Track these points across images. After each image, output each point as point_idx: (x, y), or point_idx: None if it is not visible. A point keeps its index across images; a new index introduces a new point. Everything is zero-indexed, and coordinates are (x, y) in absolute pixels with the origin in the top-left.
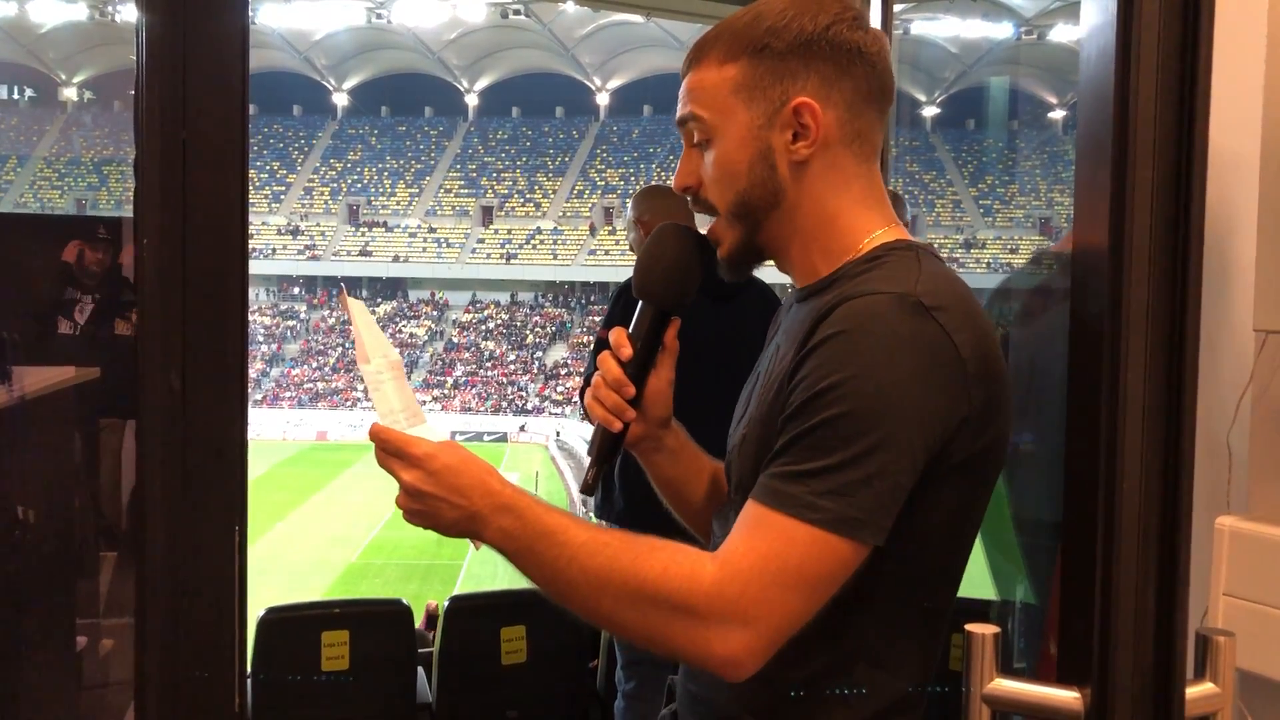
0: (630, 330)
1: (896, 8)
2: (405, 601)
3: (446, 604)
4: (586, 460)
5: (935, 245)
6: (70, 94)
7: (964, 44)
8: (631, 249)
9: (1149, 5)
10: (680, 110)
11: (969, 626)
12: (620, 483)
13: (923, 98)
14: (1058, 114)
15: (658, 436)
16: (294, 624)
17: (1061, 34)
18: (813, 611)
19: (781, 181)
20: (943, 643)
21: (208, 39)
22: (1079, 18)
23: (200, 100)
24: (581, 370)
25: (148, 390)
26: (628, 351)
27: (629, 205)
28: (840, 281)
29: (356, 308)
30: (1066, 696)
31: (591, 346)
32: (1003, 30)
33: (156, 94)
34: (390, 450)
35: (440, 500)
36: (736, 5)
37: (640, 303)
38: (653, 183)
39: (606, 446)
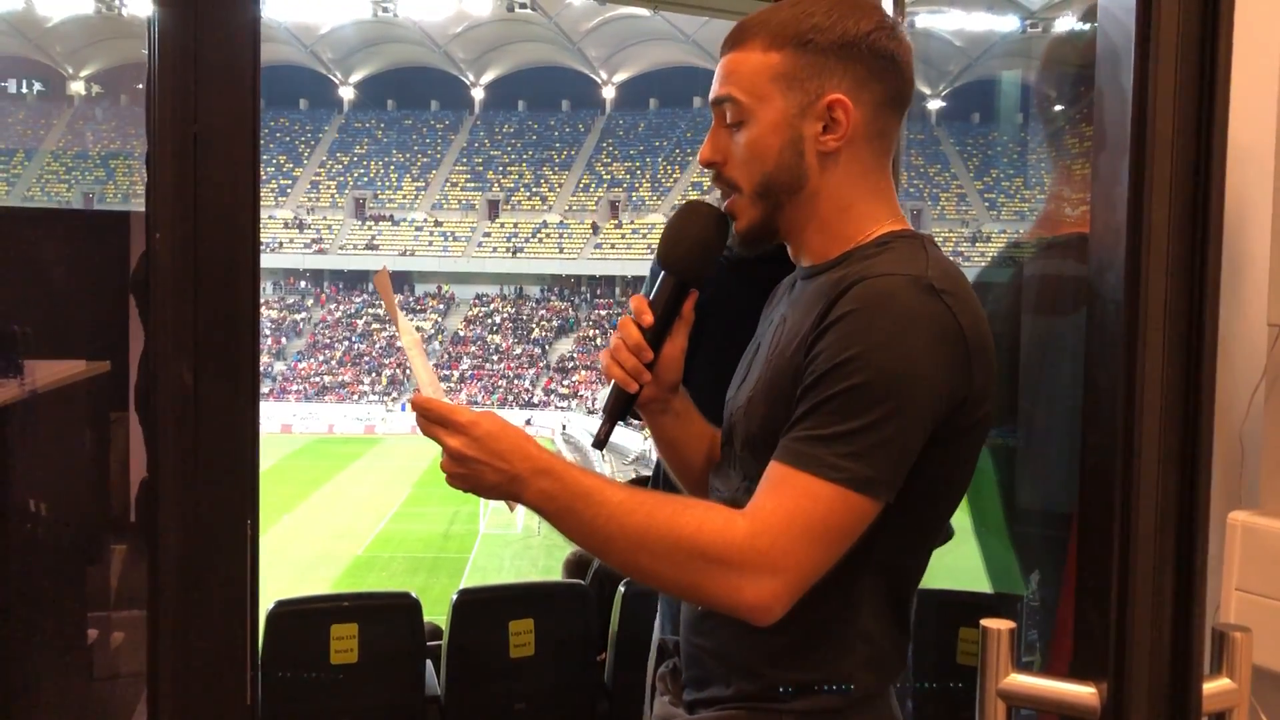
0: (652, 298)
1: (907, 3)
2: (414, 594)
3: (455, 597)
4: (596, 456)
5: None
6: (78, 88)
7: (969, 37)
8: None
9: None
10: (717, 89)
11: (985, 622)
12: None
13: (928, 91)
14: (1061, 108)
15: (666, 399)
16: (303, 617)
17: (1067, 27)
18: (833, 561)
19: (807, 169)
20: (912, 601)
21: (219, 33)
22: (1085, 12)
23: (211, 95)
24: (588, 364)
25: (160, 384)
26: (648, 318)
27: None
28: (848, 262)
29: (386, 287)
30: (1083, 692)
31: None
32: (1008, 23)
33: (169, 88)
34: (434, 418)
35: (483, 464)
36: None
37: (662, 273)
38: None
39: (620, 405)
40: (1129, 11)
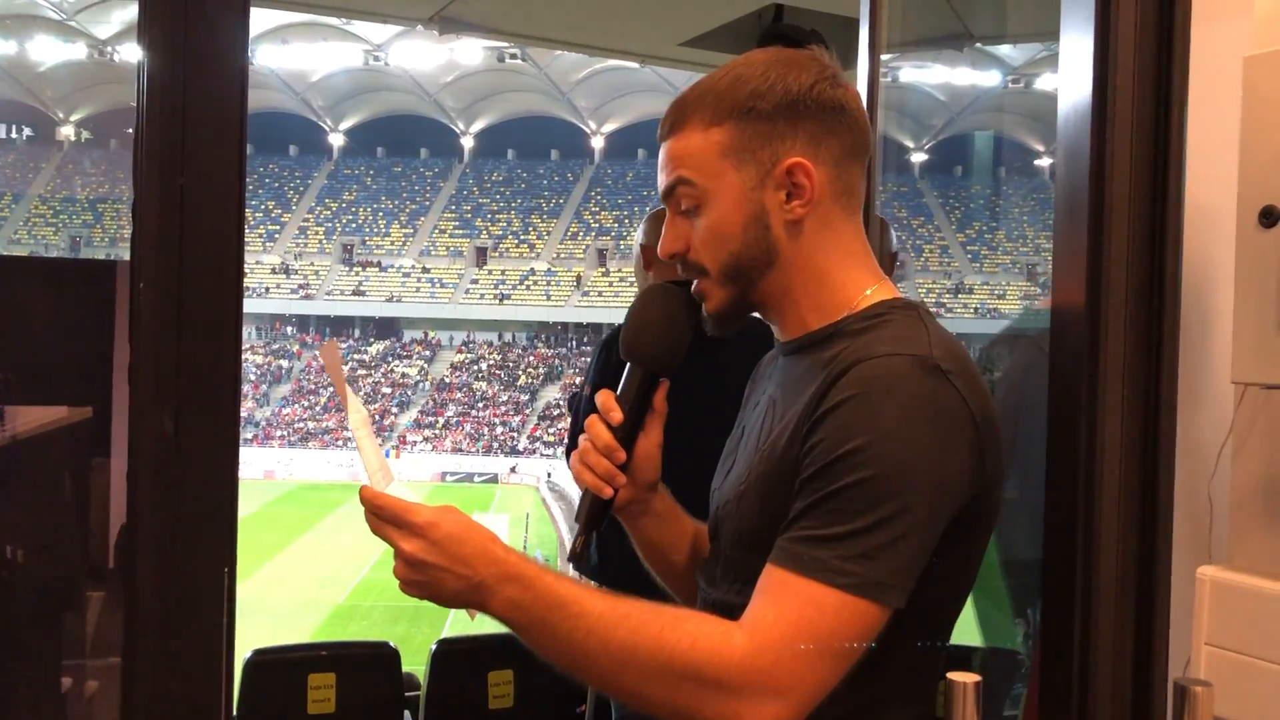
0: (619, 393)
1: (884, 56)
2: (393, 644)
3: (434, 647)
4: (577, 501)
5: (923, 301)
6: (67, 132)
7: (952, 91)
8: (635, 276)
9: (1124, 65)
10: (665, 178)
11: (951, 675)
12: (597, 542)
13: (910, 144)
14: (1044, 162)
15: (645, 500)
16: (280, 666)
17: (1048, 83)
18: (839, 677)
19: (775, 241)
20: (932, 699)
21: (208, 84)
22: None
23: (199, 146)
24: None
25: (140, 432)
26: (618, 416)
27: (638, 229)
28: (839, 337)
29: (332, 357)
30: None
31: (570, 401)
32: (990, 79)
33: (156, 138)
34: (386, 517)
35: (443, 570)
36: (726, 53)
37: (629, 364)
38: (660, 208)
39: (595, 513)
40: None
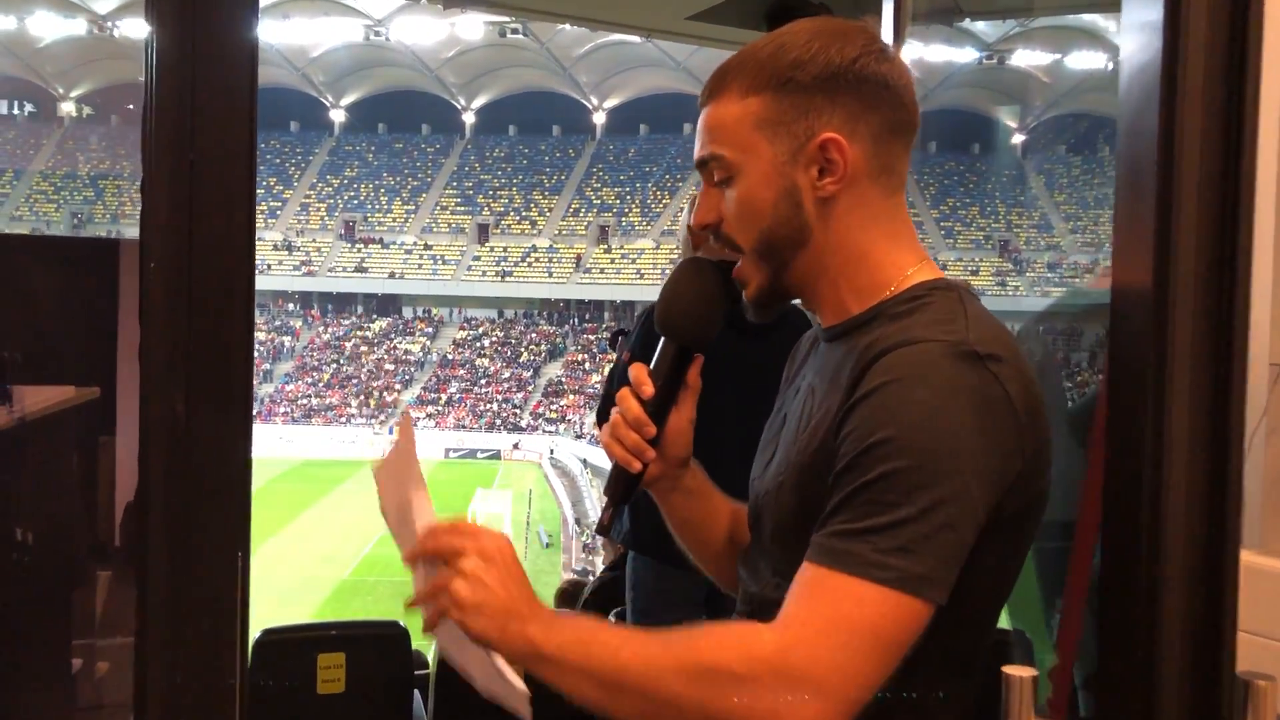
0: (651, 367)
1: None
2: (402, 624)
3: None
4: (584, 482)
5: (970, 283)
6: (68, 108)
7: (926, 67)
8: (682, 255)
9: (1194, 39)
10: (699, 150)
11: (1006, 669)
12: (631, 507)
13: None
14: (1018, 138)
15: (676, 476)
16: (290, 646)
17: (1022, 59)
18: (884, 676)
19: (807, 219)
20: (977, 691)
21: (216, 60)
22: (1041, 44)
23: (208, 122)
24: (576, 388)
25: (151, 414)
26: (649, 390)
27: (686, 210)
28: (878, 321)
29: (407, 436)
30: None
31: (606, 375)
32: (965, 55)
33: (167, 115)
34: (462, 530)
35: (494, 591)
36: (733, 28)
37: (662, 339)
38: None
39: (624, 486)
40: (1154, 56)
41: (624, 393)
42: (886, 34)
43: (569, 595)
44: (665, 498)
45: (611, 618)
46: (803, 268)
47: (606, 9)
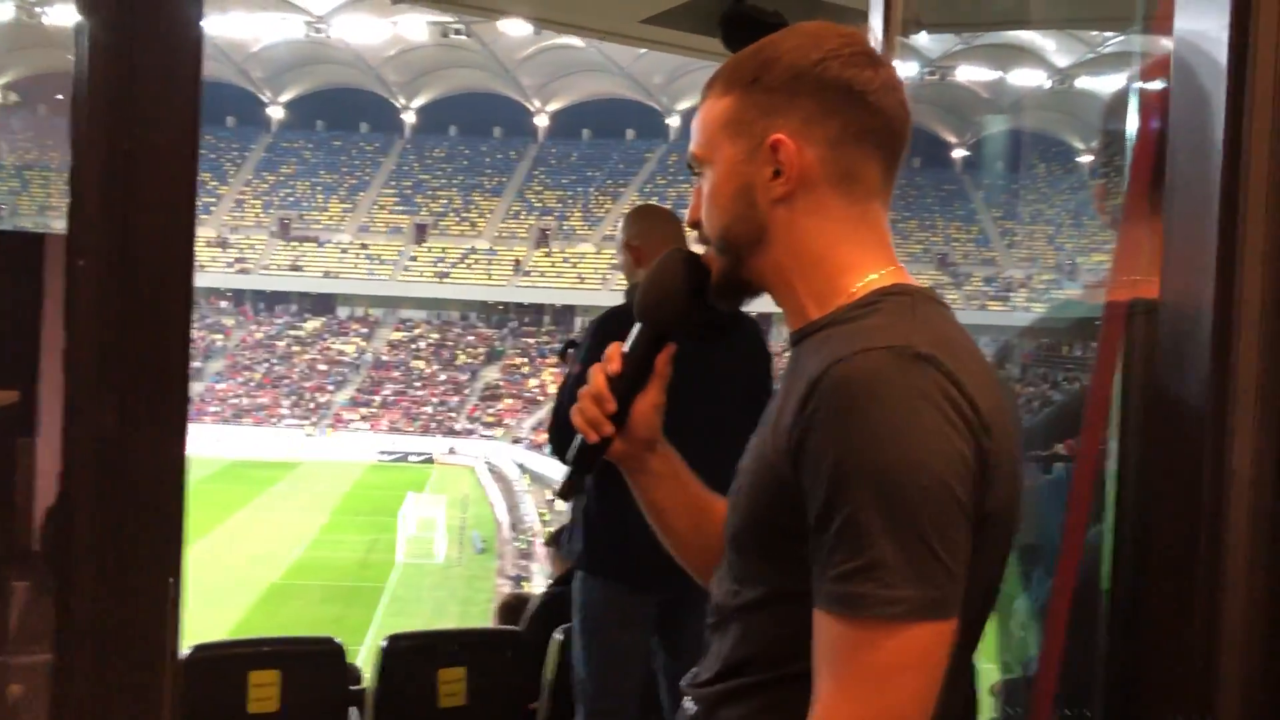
0: (625, 348)
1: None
2: (338, 640)
3: (383, 644)
4: (521, 488)
5: (936, 290)
6: None
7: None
8: (623, 272)
9: (1264, 55)
10: (689, 147)
11: None
12: (582, 527)
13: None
14: (958, 153)
15: (641, 457)
16: (220, 663)
17: (964, 75)
18: (933, 699)
19: (761, 218)
20: (963, 705)
21: (159, 48)
22: (983, 60)
23: (148, 113)
24: (514, 393)
25: (77, 425)
26: (614, 367)
27: (620, 227)
28: (831, 327)
29: None
30: None
31: (558, 388)
32: (908, 69)
33: (100, 102)
34: None
35: None
36: (686, 33)
37: (638, 324)
38: (643, 203)
39: (583, 456)
40: (1219, 69)
41: (595, 366)
42: (875, 38)
43: (512, 609)
44: (633, 478)
45: (557, 634)
46: (761, 266)
47: (560, 9)
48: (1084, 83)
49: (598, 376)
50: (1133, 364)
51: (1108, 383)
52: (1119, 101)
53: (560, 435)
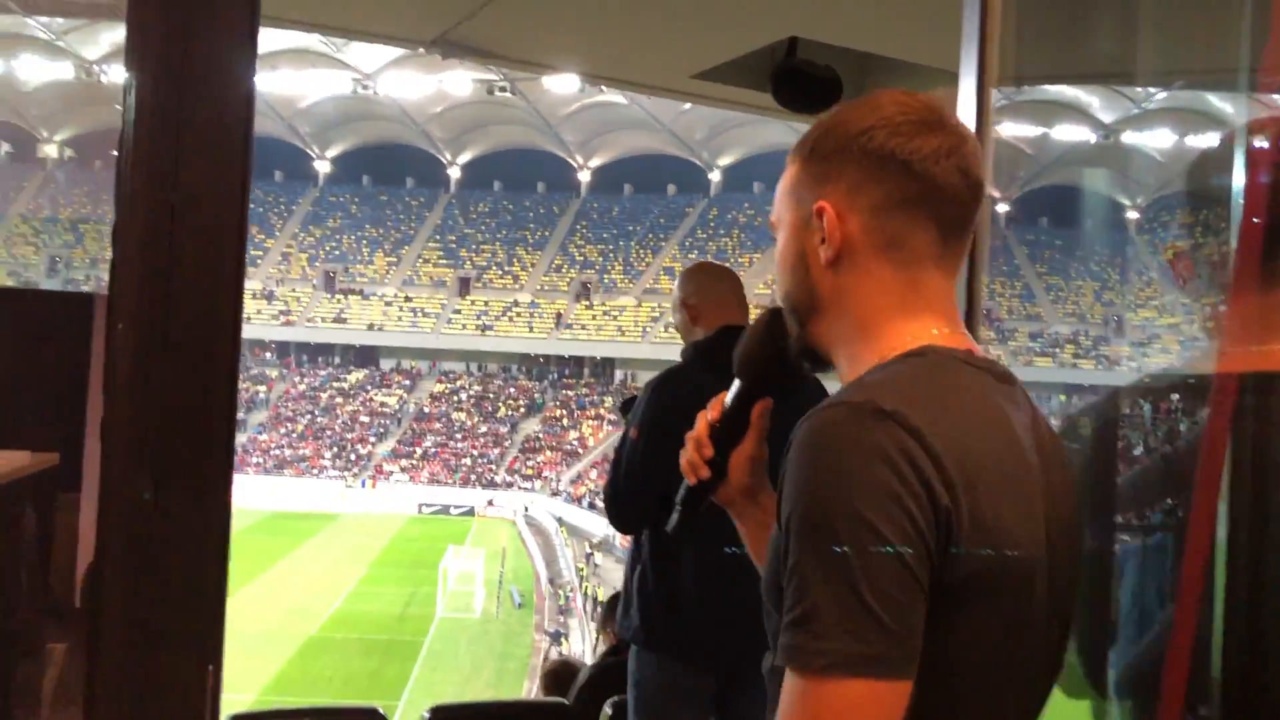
0: (726, 399)
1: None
2: (380, 709)
3: (427, 715)
4: (559, 541)
5: (987, 352)
6: (50, 151)
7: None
8: (679, 331)
9: None
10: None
11: None
12: (638, 599)
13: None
14: (1001, 208)
15: (741, 504)
16: None
17: (1006, 130)
18: None
19: (815, 284)
20: None
21: (209, 103)
22: (1024, 116)
23: (197, 168)
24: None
25: (112, 499)
26: (714, 415)
27: (676, 284)
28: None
29: None
30: None
31: (617, 446)
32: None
33: (144, 152)
34: None
35: None
36: (738, 88)
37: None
38: (700, 261)
39: (687, 496)
40: None
41: (702, 412)
42: (967, 99)
43: (558, 678)
44: (739, 527)
45: (608, 708)
46: (818, 329)
47: (611, 65)
48: (1130, 138)
49: (700, 422)
50: (1245, 436)
51: (1220, 455)
52: (1211, 158)
53: (616, 495)
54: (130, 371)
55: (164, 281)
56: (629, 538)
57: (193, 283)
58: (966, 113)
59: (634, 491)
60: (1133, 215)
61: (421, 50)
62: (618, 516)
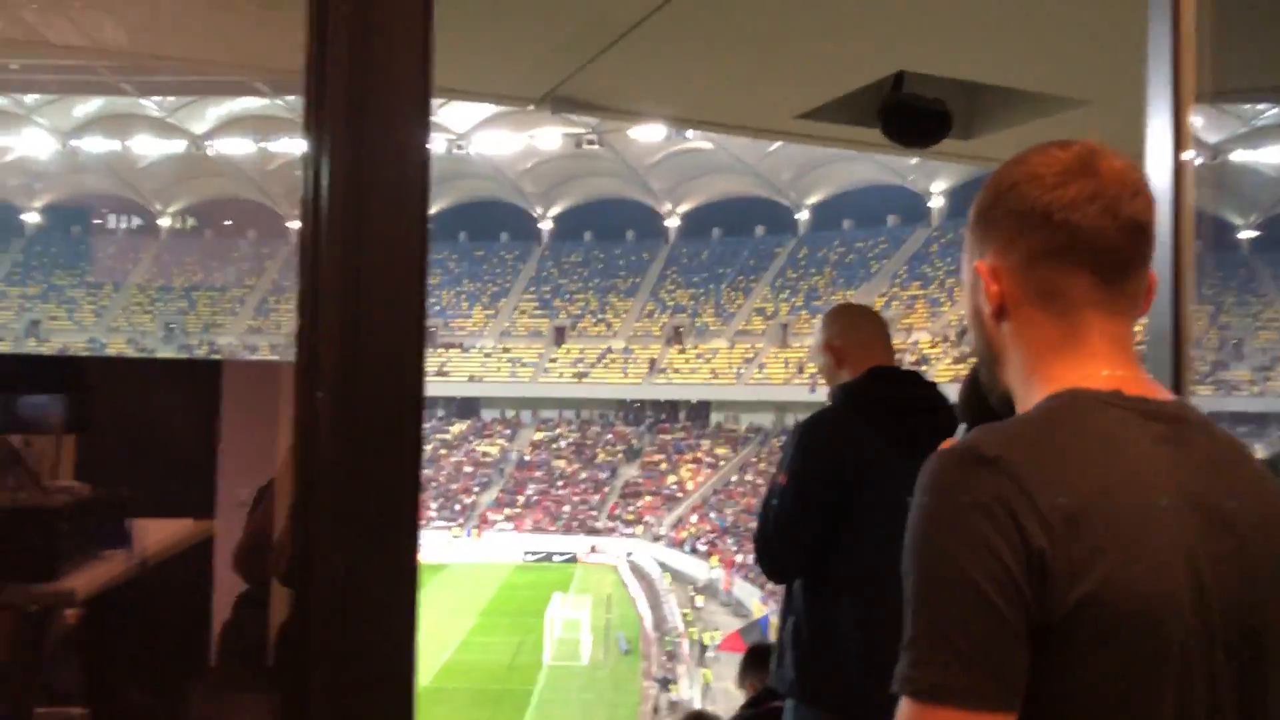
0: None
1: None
2: None
3: None
4: (662, 586)
5: (1190, 393)
6: (164, 224)
7: None
8: (823, 375)
9: None
10: None
11: None
12: (793, 651)
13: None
14: (1245, 234)
15: None
16: None
17: (1241, 156)
18: None
19: (989, 339)
20: None
21: (389, 174)
22: (1269, 138)
23: (380, 239)
24: (653, 490)
25: (312, 571)
26: None
27: (818, 327)
28: None
29: None
30: None
31: (769, 489)
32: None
33: (336, 224)
34: None
35: None
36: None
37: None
38: (843, 302)
39: None
40: None
41: None
42: (1160, 121)
43: None
44: None
45: None
46: (1006, 378)
47: (714, 110)
48: None
49: None
50: None
51: None
52: None
53: (766, 543)
54: (331, 440)
55: (356, 349)
56: (778, 587)
57: (382, 349)
58: (1159, 138)
59: (785, 538)
60: None
61: (532, 107)
62: (769, 565)
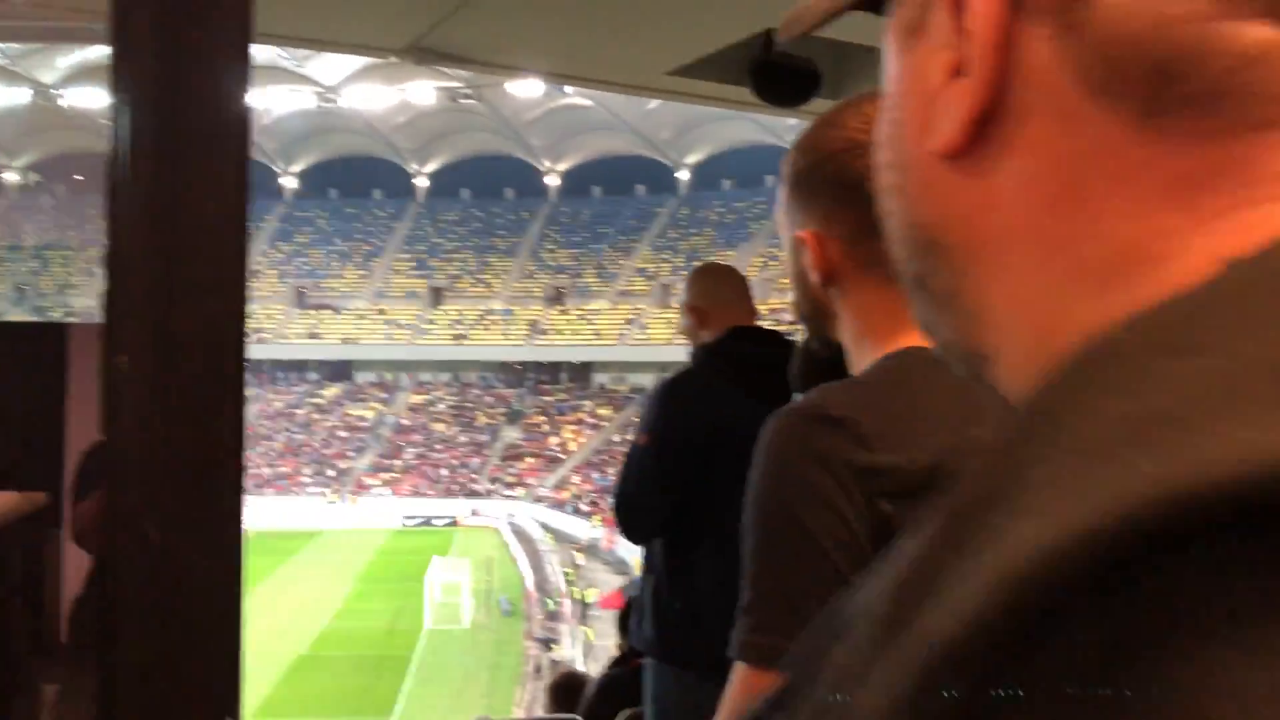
0: None
1: None
2: None
3: None
4: (545, 548)
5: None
6: (11, 178)
7: None
8: (685, 335)
9: None
10: None
11: None
12: (653, 610)
13: None
14: None
15: None
16: None
17: None
18: None
19: (816, 301)
20: None
21: (203, 126)
22: None
23: (194, 195)
24: (534, 452)
25: (118, 542)
26: None
27: (683, 288)
28: None
29: None
30: None
31: (629, 450)
32: None
33: (143, 181)
34: None
35: None
36: (715, 83)
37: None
38: (706, 262)
39: None
40: None
41: None
42: None
43: (566, 691)
44: None
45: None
46: (836, 339)
47: (585, 65)
48: None
49: None
50: None
51: None
52: None
53: (626, 504)
54: (137, 406)
55: (168, 311)
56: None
57: (197, 311)
58: None
59: (646, 500)
60: None
61: (394, 58)
62: (628, 526)
